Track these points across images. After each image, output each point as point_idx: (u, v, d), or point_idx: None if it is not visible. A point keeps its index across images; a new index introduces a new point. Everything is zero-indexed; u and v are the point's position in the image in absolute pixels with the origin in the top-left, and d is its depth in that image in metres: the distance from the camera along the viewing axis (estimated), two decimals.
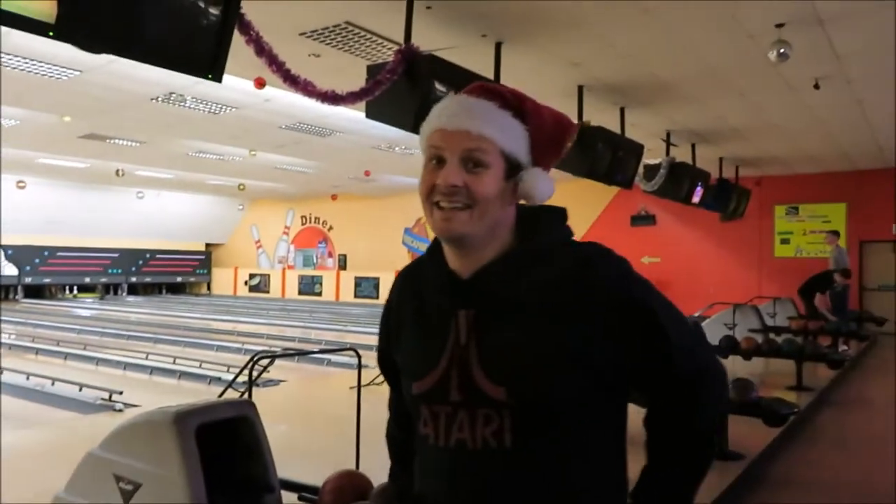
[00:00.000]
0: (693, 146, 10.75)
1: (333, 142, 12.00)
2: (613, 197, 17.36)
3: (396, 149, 12.80)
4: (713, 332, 8.25)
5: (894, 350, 11.98)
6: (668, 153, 10.13)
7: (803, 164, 13.70)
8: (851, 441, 6.02)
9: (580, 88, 7.52)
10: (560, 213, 1.38)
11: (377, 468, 2.65)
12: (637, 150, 8.49)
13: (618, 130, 8.30)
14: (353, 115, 9.24)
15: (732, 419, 4.74)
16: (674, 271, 16.89)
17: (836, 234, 11.93)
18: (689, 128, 9.92)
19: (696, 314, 9.71)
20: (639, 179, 9.23)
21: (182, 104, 9.48)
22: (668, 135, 10.13)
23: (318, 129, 11.07)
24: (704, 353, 1.32)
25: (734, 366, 7.55)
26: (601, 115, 8.01)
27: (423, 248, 21.93)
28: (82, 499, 2.92)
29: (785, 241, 15.38)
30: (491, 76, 5.84)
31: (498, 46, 6.00)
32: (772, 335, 8.60)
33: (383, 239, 22.03)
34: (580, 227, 18.52)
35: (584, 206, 18.10)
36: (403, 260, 21.75)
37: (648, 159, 9.37)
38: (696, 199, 10.73)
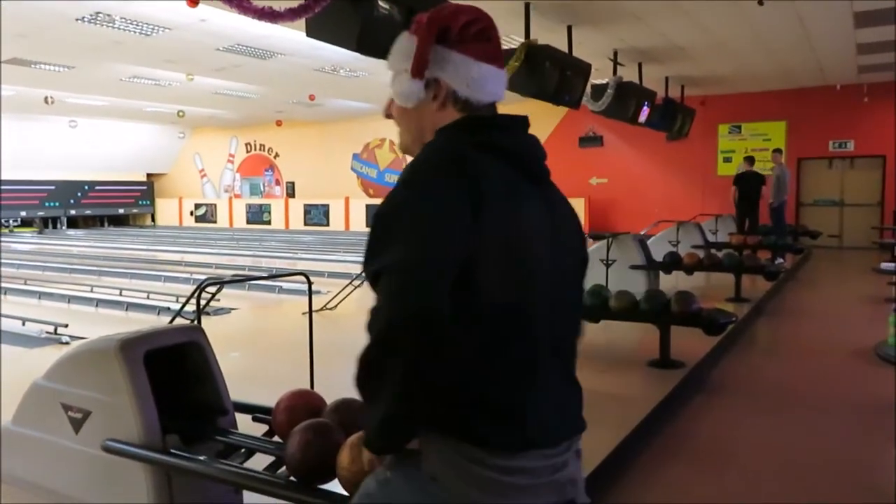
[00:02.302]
0: (640, 66, 10.74)
1: (275, 65, 11.58)
2: (562, 118, 17.35)
3: (341, 71, 12.44)
4: (658, 249, 8.50)
5: (827, 263, 12.57)
6: (615, 73, 10.11)
7: (746, 83, 13.87)
8: (783, 348, 6.37)
9: (527, 6, 7.38)
10: (464, 122, 1.35)
11: (330, 389, 2.70)
12: (585, 69, 8.44)
13: (565, 49, 8.22)
14: (295, 36, 8.89)
15: (675, 329, 4.95)
16: (621, 191, 17.17)
17: (779, 151, 12.23)
18: (636, 47, 9.88)
19: (642, 232, 9.95)
20: (586, 100, 9.21)
21: (110, 25, 8.95)
22: (616, 54, 10.08)
23: (259, 52, 10.65)
24: (384, 286, 1.19)
25: (677, 281, 7.83)
26: (548, 35, 7.90)
27: (371, 173, 21.65)
28: (31, 429, 2.90)
29: (727, 160, 15.71)
30: None
31: None
32: (713, 251, 8.88)
33: (331, 165, 21.69)
34: None
35: (532, 127, 18.03)
36: (352, 186, 21.53)
37: (596, 79, 9.34)
38: (642, 118, 10.82)
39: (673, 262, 7.90)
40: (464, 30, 1.34)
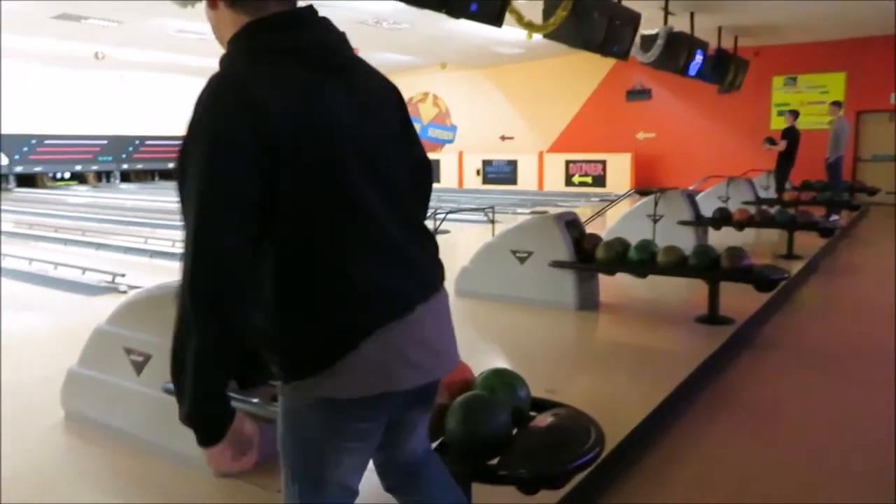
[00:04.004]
0: (692, 15, 10.38)
1: None
2: (608, 71, 16.94)
3: (384, 24, 12.30)
4: (707, 205, 8.33)
5: (884, 220, 12.14)
6: (665, 22, 9.78)
7: (803, 32, 13.29)
8: (835, 307, 6.22)
9: None
10: (246, 30, 1.30)
11: None
12: (634, 19, 8.20)
13: None
14: None
15: (724, 286, 4.87)
16: (669, 146, 16.78)
17: (838, 104, 11.69)
18: None
19: (691, 188, 9.74)
20: (635, 51, 8.96)
21: None
22: (667, 3, 9.74)
23: (303, 4, 10.59)
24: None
25: (727, 237, 7.67)
26: None
27: (415, 128, 21.86)
28: (95, 371, 3.04)
29: (782, 114, 15.14)
30: None
31: None
32: (765, 207, 8.66)
33: None
34: (573, 102, 18.20)
35: (579, 79, 17.68)
36: None
37: (645, 29, 9.06)
38: (693, 70, 10.49)
39: (723, 218, 7.74)
40: None
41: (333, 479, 1.42)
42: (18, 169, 20.30)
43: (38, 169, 20.85)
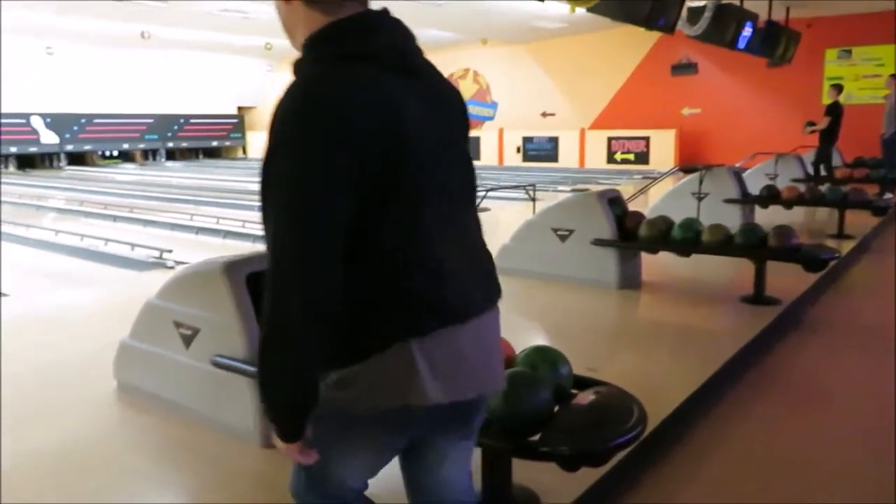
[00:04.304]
0: None
1: None
2: (653, 45, 16.57)
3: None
4: (754, 183, 8.13)
5: None
6: None
7: (858, 3, 12.77)
8: (887, 288, 6.03)
9: None
10: (324, 33, 1.28)
11: None
12: None
13: None
14: None
15: (771, 265, 4.77)
16: (715, 122, 16.39)
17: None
18: None
19: (737, 164, 9.51)
20: (681, 24, 8.72)
21: None
22: None
23: None
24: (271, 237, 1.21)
25: (774, 215, 7.49)
26: None
27: None
28: (146, 344, 3.13)
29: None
30: None
31: None
32: (815, 184, 8.41)
33: None
34: (618, 76, 17.88)
35: (621, 55, 17.34)
36: None
37: (692, 2, 8.81)
38: (741, 43, 10.17)
39: (770, 196, 7.55)
40: None
41: (337, 475, 1.44)
42: (69, 147, 20.86)
43: (87, 147, 21.40)
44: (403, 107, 1.25)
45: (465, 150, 1.45)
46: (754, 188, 7.81)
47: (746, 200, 7.56)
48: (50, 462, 2.69)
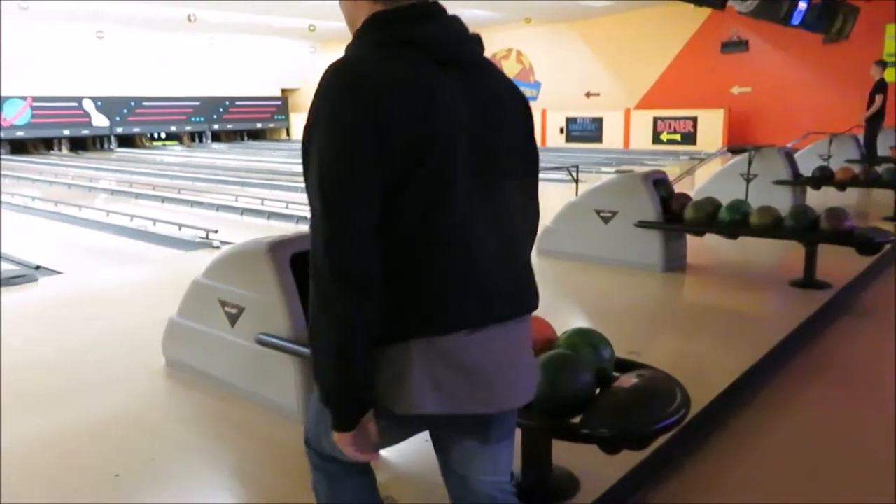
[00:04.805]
0: None
1: None
2: (703, 22, 16.16)
3: None
4: (806, 164, 7.89)
5: None
6: None
7: None
8: None
9: None
10: (371, 21, 1.30)
11: None
12: None
13: None
14: None
15: (822, 249, 4.63)
16: (766, 101, 15.94)
17: None
18: None
19: (789, 145, 9.23)
20: (732, 0, 8.46)
21: None
22: None
23: None
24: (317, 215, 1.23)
25: (827, 197, 7.26)
26: None
27: None
28: (193, 322, 3.20)
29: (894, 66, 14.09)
30: None
31: None
32: (871, 165, 8.12)
33: None
34: (665, 55, 17.50)
35: (670, 32, 16.94)
36: None
37: None
38: (796, 19, 9.81)
39: (823, 177, 7.32)
40: None
41: (329, 450, 1.42)
42: (119, 130, 21.38)
43: (136, 130, 21.92)
44: (439, 93, 1.24)
45: (518, 148, 1.39)
46: (806, 169, 7.57)
47: (797, 182, 7.34)
48: (100, 432, 2.79)
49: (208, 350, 3.13)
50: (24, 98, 19.29)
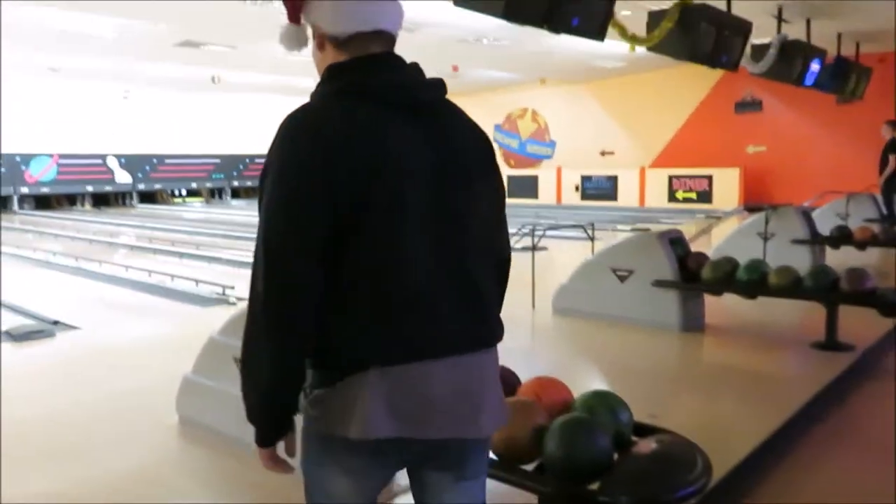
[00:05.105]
0: (808, 22, 9.85)
1: (419, 37, 11.75)
2: (716, 82, 16.35)
3: (484, 41, 12.40)
4: (824, 223, 7.85)
5: None
6: (779, 30, 9.34)
7: None
8: None
9: None
10: (329, 71, 1.39)
11: None
12: (744, 28, 7.86)
13: (724, 8, 7.69)
14: (439, 7, 8.95)
15: (845, 309, 4.56)
16: (781, 160, 15.98)
17: None
18: (804, 1, 9.06)
19: (805, 204, 9.21)
20: (745, 61, 8.59)
21: (270, 4, 9.46)
22: (780, 10, 9.30)
23: (405, 24, 10.78)
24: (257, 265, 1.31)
25: (846, 257, 7.19)
26: None
27: (513, 143, 21.54)
28: (208, 380, 3.19)
29: None
30: None
31: None
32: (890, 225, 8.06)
33: None
34: (679, 114, 17.69)
35: (684, 92, 17.17)
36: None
37: (757, 39, 8.68)
38: (809, 80, 9.93)
39: (842, 237, 7.27)
40: None
41: (319, 497, 1.46)
42: (141, 186, 21.81)
43: (157, 186, 22.34)
44: (389, 139, 1.30)
45: (479, 185, 1.43)
46: (824, 229, 7.53)
47: (816, 241, 7.29)
48: (112, 487, 2.76)
49: (223, 408, 3.11)
50: (50, 155, 19.81)
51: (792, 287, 4.71)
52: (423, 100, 1.39)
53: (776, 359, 4.55)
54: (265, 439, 1.38)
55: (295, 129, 1.30)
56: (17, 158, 19.28)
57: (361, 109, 1.31)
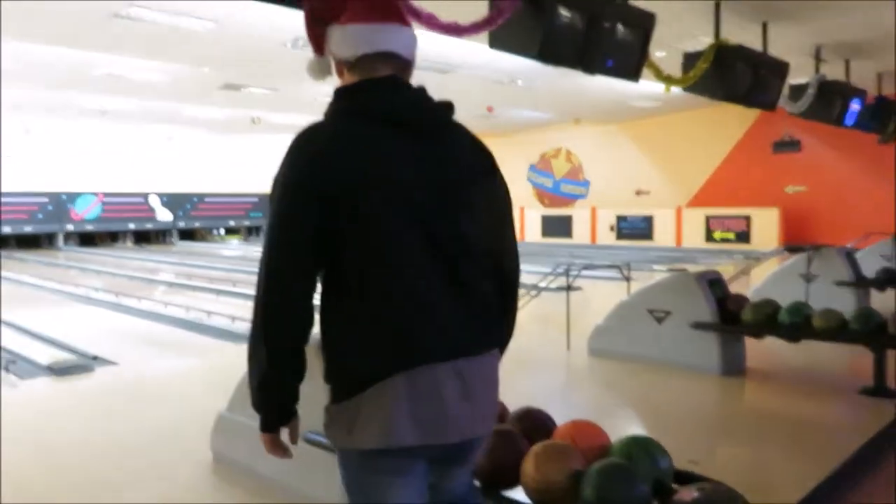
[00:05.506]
0: (847, 62, 9.76)
1: (454, 78, 11.92)
2: (753, 122, 16.26)
3: (519, 81, 12.54)
4: (869, 264, 7.64)
5: None
6: (817, 70, 9.25)
7: None
8: None
9: (717, 5, 6.97)
10: (336, 93, 1.50)
11: (507, 396, 2.68)
12: (781, 68, 7.82)
13: (760, 48, 7.67)
14: (474, 49, 9.09)
15: (892, 354, 4.41)
16: (822, 200, 15.71)
17: None
18: (843, 41, 8.98)
19: (849, 245, 8.99)
20: (783, 101, 8.51)
21: (308, 48, 9.72)
22: (818, 50, 9.23)
23: (440, 66, 11.01)
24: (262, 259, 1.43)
25: (893, 300, 6.97)
26: (741, 33, 7.40)
27: (547, 183, 21.56)
28: (243, 417, 3.19)
29: None
30: None
31: None
32: None
33: (507, 175, 21.47)
34: (716, 154, 17.59)
35: (720, 131, 17.08)
36: (528, 196, 21.61)
37: (795, 78, 8.61)
38: (849, 120, 9.79)
39: (888, 279, 7.05)
40: (342, 4, 1.51)
41: None
42: (181, 224, 22.30)
43: (197, 224, 22.82)
44: (385, 153, 1.41)
45: (478, 197, 1.52)
46: (869, 270, 7.33)
47: (861, 283, 7.09)
48: None
49: (256, 447, 3.09)
50: (95, 194, 20.41)
51: (837, 330, 4.57)
52: (429, 120, 1.50)
53: (822, 405, 4.40)
54: (266, 424, 1.52)
55: (294, 147, 1.44)
56: (64, 197, 19.91)
57: (357, 127, 1.42)
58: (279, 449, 1.56)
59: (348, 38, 1.50)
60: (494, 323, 1.54)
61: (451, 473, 1.57)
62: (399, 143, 1.42)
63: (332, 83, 1.63)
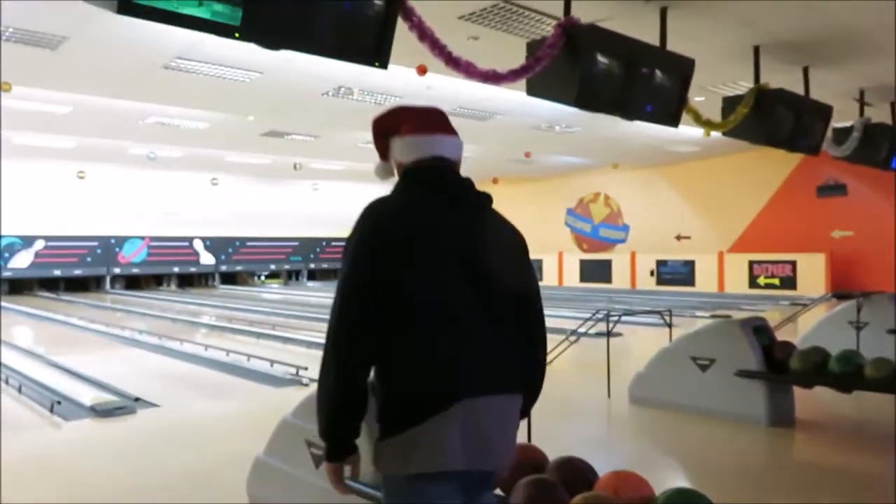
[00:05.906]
0: (892, 105, 9.60)
1: (493, 125, 12.07)
2: (795, 166, 16.04)
3: (556, 128, 12.63)
4: None
5: None
6: (861, 114, 9.12)
7: None
8: None
9: (756, 49, 6.96)
10: (407, 167, 1.82)
11: (547, 444, 2.63)
12: (824, 112, 7.73)
13: (801, 92, 7.60)
14: (512, 97, 9.21)
15: None
16: (870, 245, 15.31)
17: None
18: (888, 83, 8.86)
19: None
20: (826, 145, 8.39)
21: (350, 97, 9.96)
22: (862, 93, 9.11)
23: (478, 113, 11.17)
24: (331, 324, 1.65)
25: None
26: (782, 77, 7.37)
27: (585, 227, 21.43)
28: (280, 462, 3.18)
29: None
30: (656, 42, 5.56)
31: (663, 11, 5.70)
32: None
33: (545, 220, 21.84)
34: (758, 198, 17.34)
35: (762, 175, 16.86)
36: (566, 241, 21.52)
37: (838, 122, 8.50)
38: None
39: None
40: (402, 122, 1.86)
41: None
42: (223, 268, 22.71)
43: (239, 268, 23.22)
44: (437, 219, 1.70)
45: (507, 267, 1.77)
46: None
47: None
48: None
49: (292, 492, 3.08)
50: (142, 238, 20.97)
51: (891, 380, 4.39)
52: (474, 200, 1.81)
53: (876, 459, 4.20)
54: (332, 453, 1.66)
55: (366, 212, 1.72)
56: (112, 241, 20.49)
57: (416, 197, 1.73)
58: (341, 483, 1.69)
59: (407, 147, 1.82)
60: (521, 371, 1.76)
61: (480, 496, 1.75)
62: (455, 214, 1.72)
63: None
